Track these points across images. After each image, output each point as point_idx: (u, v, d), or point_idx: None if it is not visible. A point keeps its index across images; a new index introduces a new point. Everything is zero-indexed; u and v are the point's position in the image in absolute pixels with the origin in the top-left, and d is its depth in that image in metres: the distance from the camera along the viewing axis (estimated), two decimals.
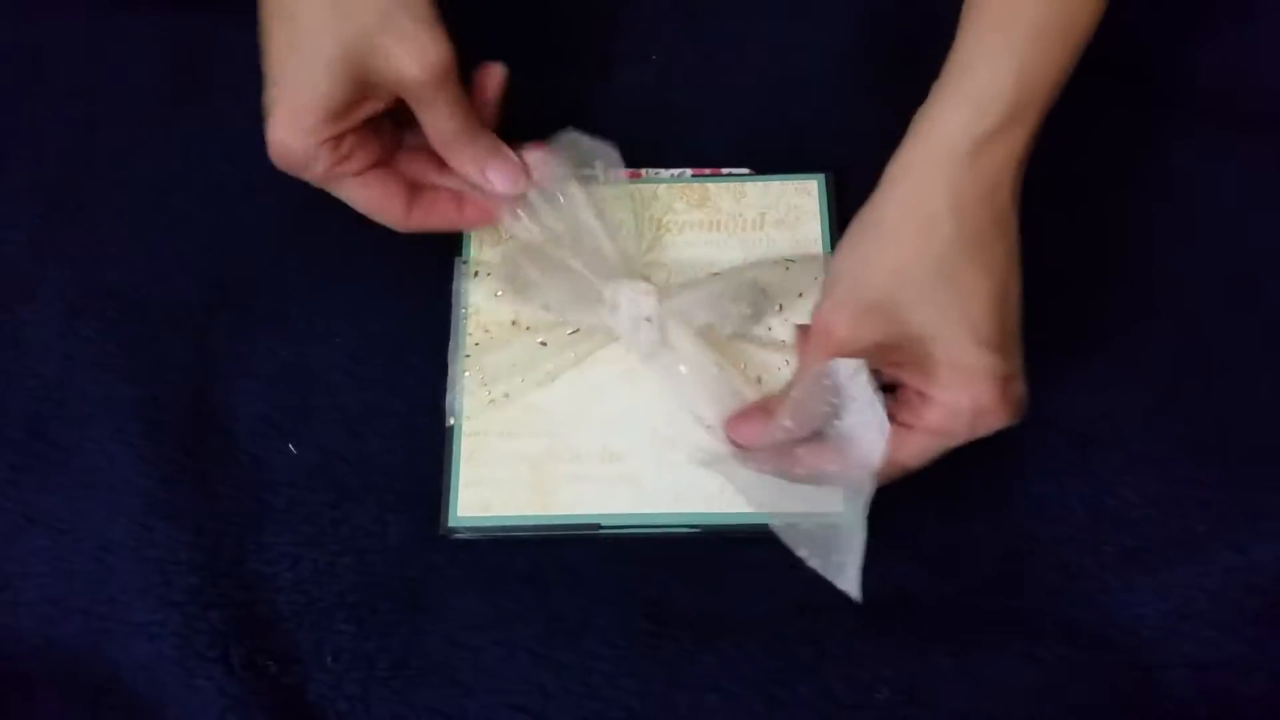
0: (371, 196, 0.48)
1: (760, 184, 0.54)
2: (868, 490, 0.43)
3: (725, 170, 0.55)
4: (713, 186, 0.54)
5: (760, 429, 0.45)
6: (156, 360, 0.51)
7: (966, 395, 0.42)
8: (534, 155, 0.50)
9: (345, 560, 0.48)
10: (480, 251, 0.53)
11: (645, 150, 0.55)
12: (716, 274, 0.51)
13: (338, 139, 0.46)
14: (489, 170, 0.49)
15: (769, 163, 0.55)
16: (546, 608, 0.47)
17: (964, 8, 0.45)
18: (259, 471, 0.50)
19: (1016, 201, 0.43)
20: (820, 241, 0.53)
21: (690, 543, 0.48)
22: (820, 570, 0.44)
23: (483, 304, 0.52)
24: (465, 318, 0.52)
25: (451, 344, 0.51)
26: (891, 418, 0.43)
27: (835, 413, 0.44)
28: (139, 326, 0.52)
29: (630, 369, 0.50)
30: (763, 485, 0.47)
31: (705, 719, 0.45)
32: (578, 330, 0.51)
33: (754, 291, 0.50)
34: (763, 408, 0.46)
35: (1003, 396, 0.42)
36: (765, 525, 0.47)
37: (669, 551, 0.48)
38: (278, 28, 0.45)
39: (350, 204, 0.48)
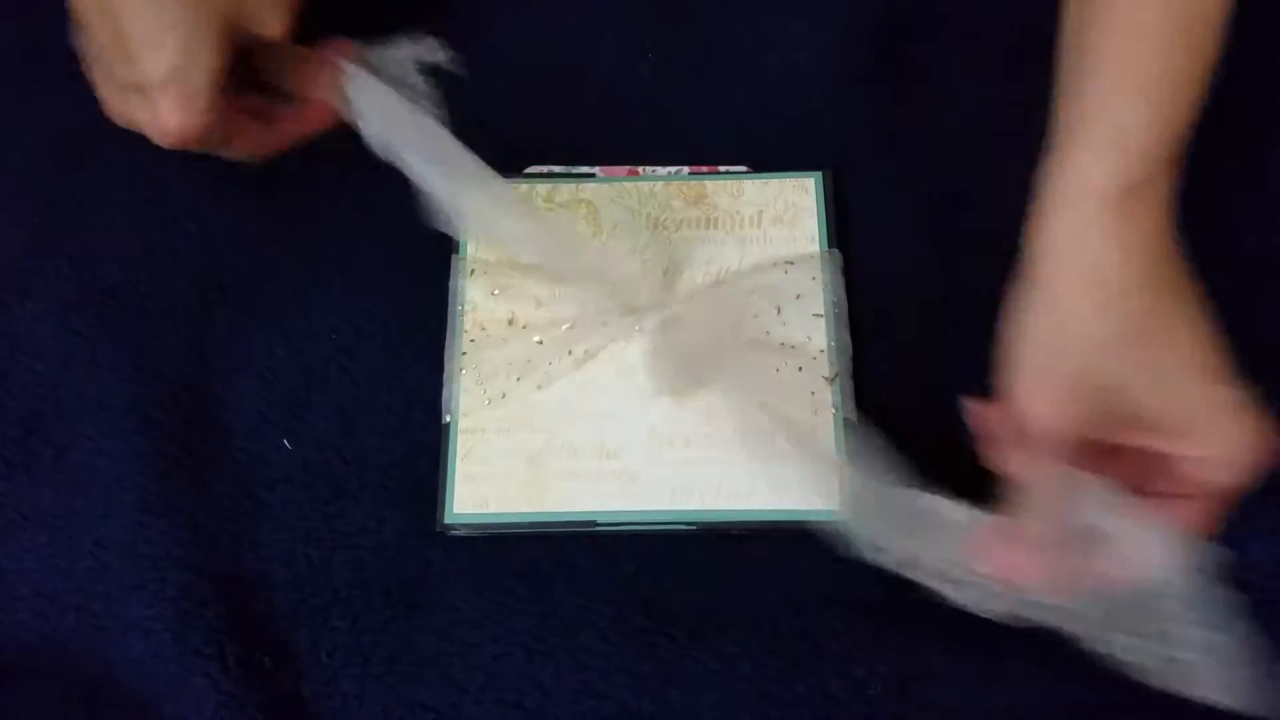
0: (248, 146, 0.48)
1: (758, 181, 0.54)
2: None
3: (722, 168, 0.55)
4: (709, 184, 0.54)
5: (1012, 553, 0.40)
6: (152, 357, 0.51)
7: (1232, 433, 0.38)
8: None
9: (340, 557, 0.48)
10: (477, 249, 0.53)
11: (642, 148, 0.55)
12: (716, 285, 0.51)
13: (217, 107, 0.45)
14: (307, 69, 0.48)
15: (766, 160, 0.55)
16: (542, 604, 0.47)
17: (1069, 52, 0.43)
18: (254, 468, 0.50)
19: (1177, 242, 0.41)
20: (818, 239, 0.53)
21: (686, 540, 0.48)
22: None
23: (480, 301, 0.52)
24: (462, 315, 0.52)
25: (448, 341, 0.51)
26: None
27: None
28: (135, 323, 0.52)
29: (628, 365, 0.50)
30: (758, 484, 0.47)
31: (701, 715, 0.45)
32: (573, 326, 0.51)
33: (756, 301, 0.51)
34: (1001, 531, 0.41)
35: (1259, 426, 0.38)
36: (761, 523, 0.47)
37: (665, 548, 0.48)
38: (138, 5, 0.43)
39: (227, 157, 0.48)
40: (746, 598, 0.47)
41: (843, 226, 0.53)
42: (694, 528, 0.48)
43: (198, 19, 0.43)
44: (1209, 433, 0.39)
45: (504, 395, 0.50)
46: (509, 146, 0.56)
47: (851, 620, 0.46)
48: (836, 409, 0.49)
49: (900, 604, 0.46)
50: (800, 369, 0.50)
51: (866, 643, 0.46)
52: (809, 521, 0.47)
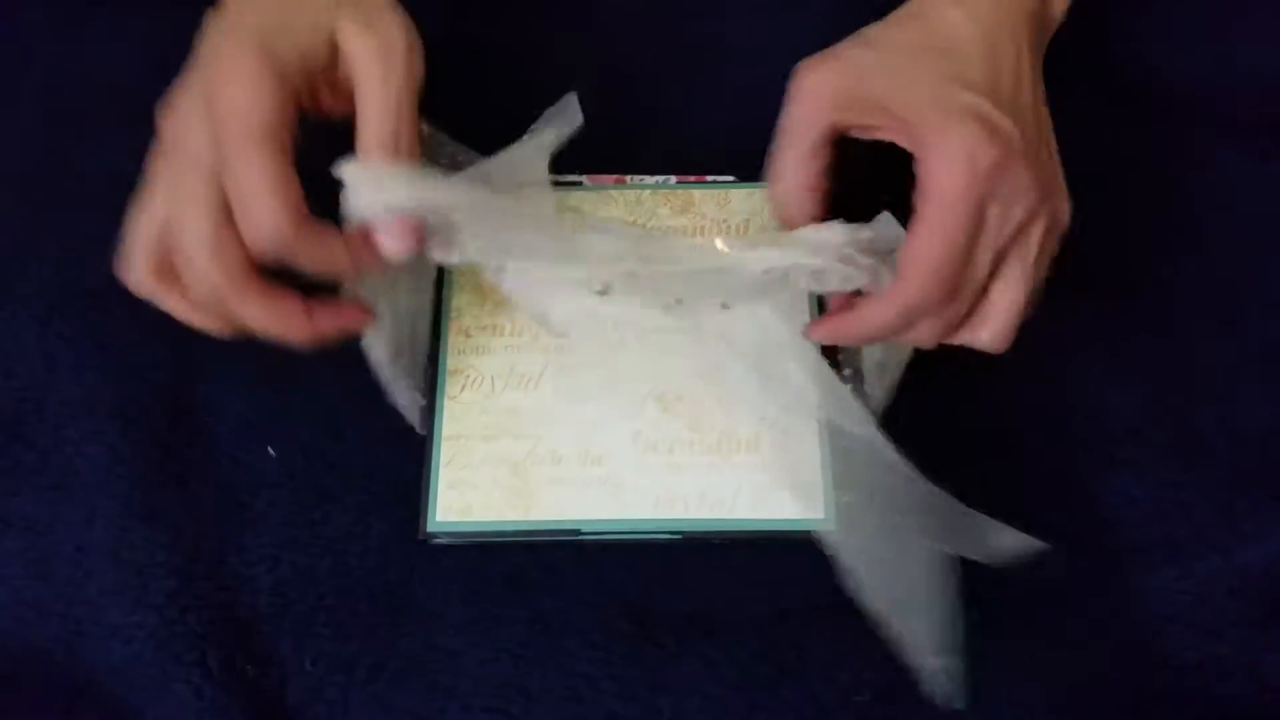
0: (283, 172, 0.40)
1: (744, 190, 0.54)
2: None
3: (710, 178, 0.55)
4: (697, 193, 0.54)
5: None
6: (136, 361, 0.51)
7: (955, 132, 0.40)
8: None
9: (325, 563, 0.48)
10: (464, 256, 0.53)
11: (630, 156, 0.55)
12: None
13: (296, 93, 0.41)
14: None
15: (754, 169, 0.55)
16: (528, 610, 0.47)
17: None
18: (238, 473, 0.49)
19: (1038, 49, 0.46)
20: None
21: (673, 546, 0.48)
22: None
23: (465, 308, 0.52)
24: (447, 321, 0.52)
25: (433, 347, 0.51)
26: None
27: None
28: (118, 327, 0.52)
29: (613, 371, 0.50)
30: (743, 492, 0.47)
31: None
32: (564, 335, 0.51)
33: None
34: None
35: (991, 134, 0.40)
36: (746, 531, 0.47)
37: (651, 554, 0.48)
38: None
39: (254, 181, 0.40)
40: (733, 604, 0.47)
41: None
42: (679, 536, 0.48)
43: (286, 34, 0.41)
44: (935, 129, 0.41)
45: (488, 398, 0.50)
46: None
47: (838, 626, 0.46)
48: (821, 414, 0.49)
49: None
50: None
51: (854, 649, 0.46)
52: (795, 531, 0.47)
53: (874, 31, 0.45)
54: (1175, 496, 0.48)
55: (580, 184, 0.55)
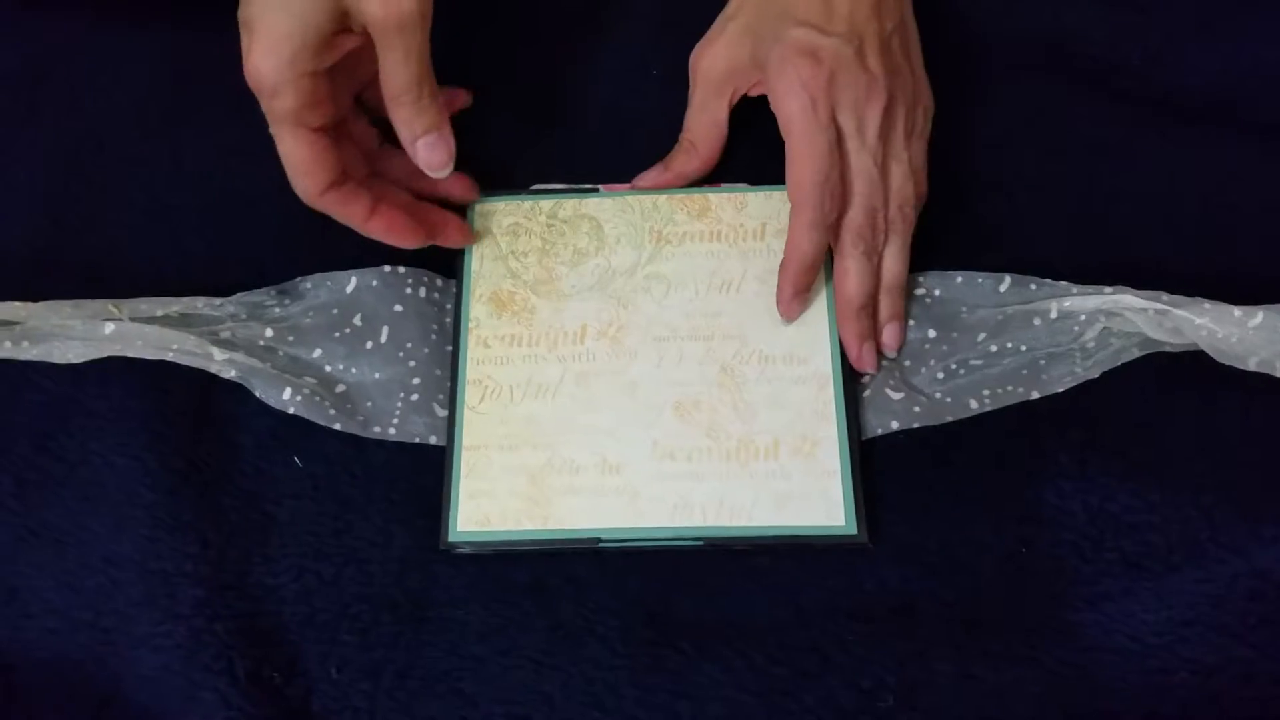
0: (304, 155, 0.47)
1: (762, 194, 0.54)
2: None
3: (723, 185, 0.55)
4: (714, 197, 0.54)
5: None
6: (162, 373, 0.51)
7: (787, 72, 0.48)
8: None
9: (349, 572, 0.48)
10: (481, 266, 0.53)
11: (646, 164, 0.55)
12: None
13: (313, 76, 0.45)
14: (421, 140, 0.49)
15: (772, 174, 0.55)
16: (549, 617, 0.47)
17: None
18: (263, 484, 0.50)
19: None
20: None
21: (692, 553, 0.48)
22: None
23: (483, 318, 0.52)
24: (466, 332, 0.52)
25: (452, 358, 0.52)
26: None
27: None
28: None
29: (630, 380, 0.51)
30: (762, 499, 0.47)
31: None
32: (576, 340, 0.51)
33: None
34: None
35: (816, 60, 0.48)
36: (767, 538, 0.47)
37: (671, 562, 0.48)
38: None
39: (281, 153, 0.47)
40: (753, 609, 0.47)
41: None
42: (700, 543, 0.48)
43: None
44: (773, 74, 0.49)
45: (507, 408, 0.50)
46: (514, 165, 0.57)
47: (859, 631, 0.46)
48: (840, 420, 0.49)
49: (908, 614, 0.47)
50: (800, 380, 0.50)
51: (875, 653, 0.46)
52: (817, 536, 0.47)
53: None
54: (1196, 499, 0.48)
55: (597, 191, 0.55)
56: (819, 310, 0.51)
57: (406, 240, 0.50)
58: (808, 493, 0.48)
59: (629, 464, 0.49)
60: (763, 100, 0.52)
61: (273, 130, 0.47)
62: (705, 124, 0.55)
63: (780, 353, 0.51)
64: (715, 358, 0.51)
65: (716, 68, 0.54)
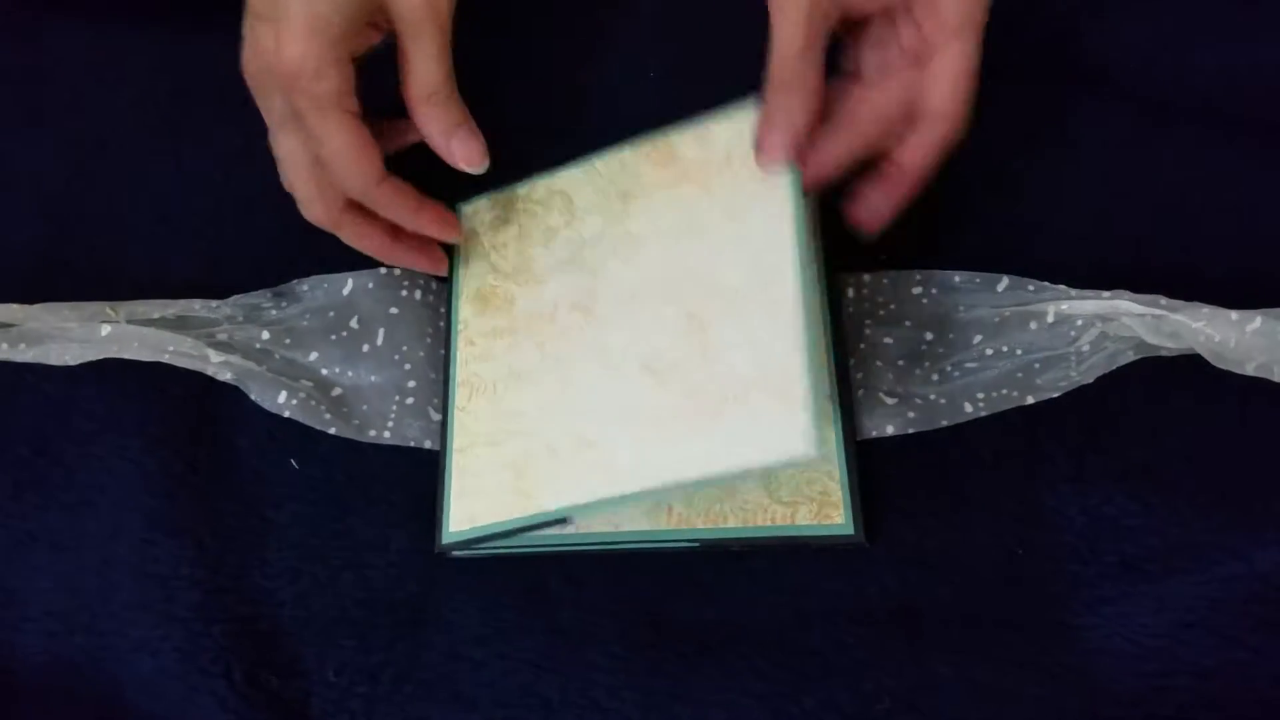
0: (355, 140, 0.45)
1: (724, 120, 0.50)
2: None
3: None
4: (676, 137, 0.51)
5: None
6: (159, 376, 0.51)
7: None
8: None
9: (347, 575, 0.48)
10: (467, 265, 0.53)
11: None
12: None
13: (350, 63, 0.45)
14: (455, 137, 0.48)
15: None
16: (548, 620, 0.47)
17: None
18: (261, 486, 0.50)
19: None
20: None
21: (691, 554, 0.48)
22: None
23: (470, 318, 0.52)
24: (456, 334, 0.52)
25: (444, 362, 0.52)
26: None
27: None
28: None
29: (603, 349, 0.49)
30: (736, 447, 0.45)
31: None
32: (550, 320, 0.50)
33: None
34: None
35: None
36: (766, 539, 0.47)
37: (669, 563, 0.48)
38: None
39: (324, 146, 0.45)
40: (753, 612, 0.47)
41: None
42: (697, 545, 0.48)
43: None
44: None
45: (493, 407, 0.50)
46: (510, 165, 0.56)
47: (859, 634, 0.46)
48: (837, 421, 0.49)
49: (908, 617, 0.47)
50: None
51: (875, 657, 0.46)
52: (815, 537, 0.47)
53: None
54: (1194, 502, 0.48)
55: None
56: (783, 228, 0.47)
57: (450, 233, 0.51)
58: (775, 425, 0.44)
59: (604, 436, 0.47)
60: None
61: (312, 122, 0.45)
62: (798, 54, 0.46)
63: (743, 282, 0.47)
64: (684, 307, 0.48)
65: None
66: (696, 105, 0.58)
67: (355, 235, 0.49)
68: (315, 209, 0.48)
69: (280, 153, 0.47)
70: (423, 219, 0.49)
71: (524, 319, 0.51)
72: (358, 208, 0.48)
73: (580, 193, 0.52)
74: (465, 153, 0.48)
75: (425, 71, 0.46)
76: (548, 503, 0.46)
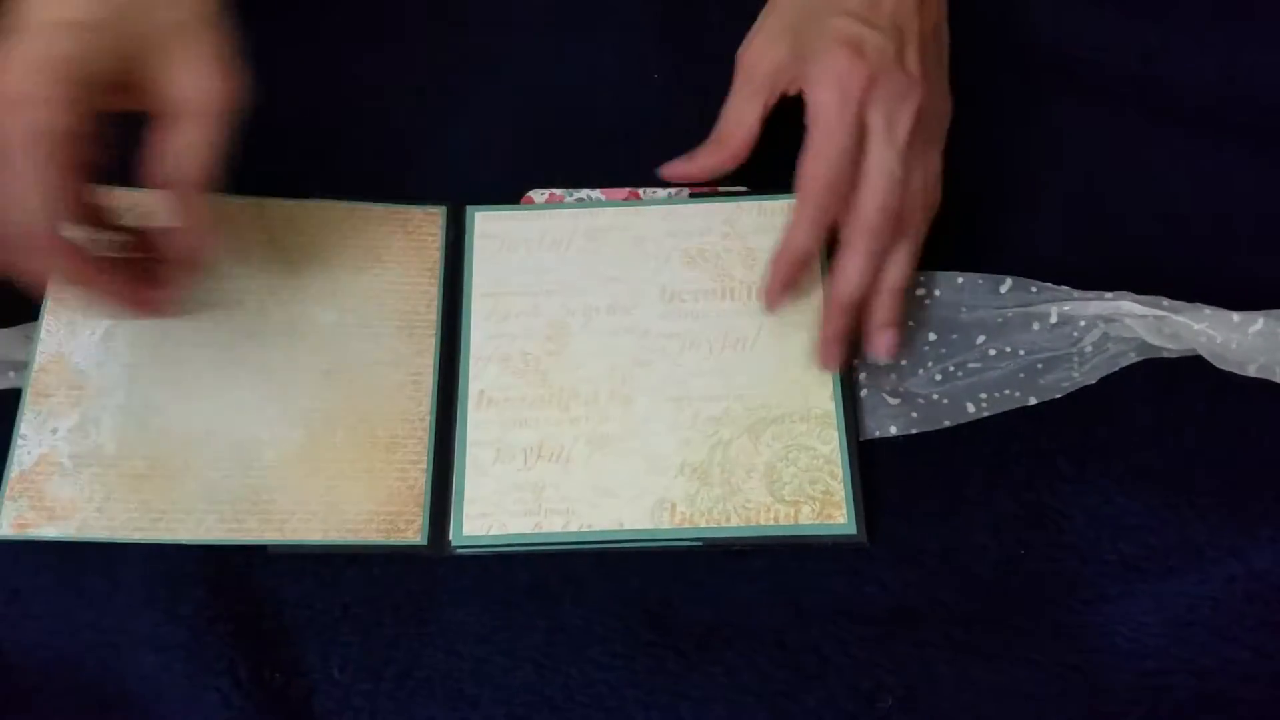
0: (54, 178, 0.41)
1: (754, 202, 0.54)
2: None
3: (723, 189, 0.55)
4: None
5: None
6: None
7: (826, 63, 0.46)
8: None
9: (350, 573, 0.48)
10: (483, 269, 0.54)
11: (647, 170, 0.56)
12: None
13: (84, 106, 0.41)
14: (196, 229, 0.45)
15: (770, 179, 0.55)
16: (550, 619, 0.47)
17: None
18: None
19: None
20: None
21: (692, 554, 0.48)
22: None
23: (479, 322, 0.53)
24: (468, 330, 0.52)
25: (448, 362, 0.52)
26: None
27: None
28: None
29: (630, 380, 0.51)
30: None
31: None
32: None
33: None
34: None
35: (857, 55, 0.46)
36: (766, 539, 0.48)
37: (671, 562, 0.48)
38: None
39: (13, 168, 0.40)
40: (754, 610, 0.47)
41: None
42: (699, 544, 0.48)
43: (112, 13, 0.41)
44: (811, 62, 0.48)
45: (506, 415, 0.50)
46: (513, 168, 0.57)
47: (859, 632, 0.46)
48: (839, 422, 0.50)
49: (909, 616, 0.47)
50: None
51: (874, 655, 0.46)
52: (817, 536, 0.48)
53: None
54: (1194, 502, 0.48)
55: (598, 200, 0.55)
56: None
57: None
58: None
59: (623, 465, 0.49)
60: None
61: (13, 147, 0.40)
62: (737, 120, 0.53)
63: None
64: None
65: (760, 65, 0.52)
66: (697, 105, 0.58)
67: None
68: None
69: None
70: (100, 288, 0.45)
71: (545, 344, 0.52)
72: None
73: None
74: (209, 244, 0.46)
75: (193, 159, 0.43)
76: (564, 523, 0.48)
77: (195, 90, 0.43)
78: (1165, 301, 0.50)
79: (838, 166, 0.47)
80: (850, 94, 0.46)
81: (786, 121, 0.57)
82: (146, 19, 0.43)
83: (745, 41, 0.53)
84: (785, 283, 0.50)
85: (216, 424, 0.49)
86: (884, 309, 0.50)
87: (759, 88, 0.52)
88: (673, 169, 0.53)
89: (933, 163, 0.50)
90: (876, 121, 0.47)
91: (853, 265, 0.48)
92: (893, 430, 0.50)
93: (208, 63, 0.44)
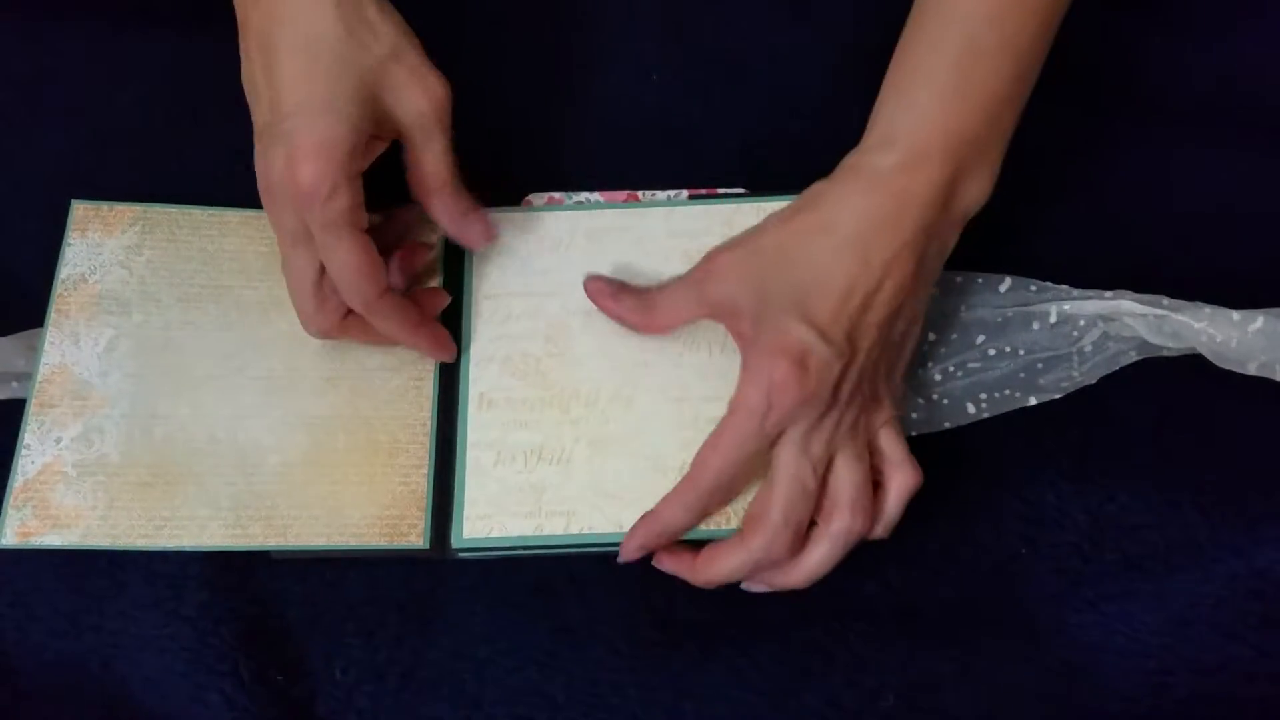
0: (364, 259, 0.45)
1: (753, 204, 0.54)
2: None
3: (721, 190, 0.55)
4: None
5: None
6: None
7: (765, 369, 0.44)
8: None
9: (353, 573, 0.48)
10: (485, 271, 0.54)
11: (646, 171, 0.56)
12: None
13: (360, 179, 0.45)
14: (465, 222, 0.50)
15: (772, 179, 0.55)
16: (553, 618, 0.47)
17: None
18: None
19: (934, 237, 0.46)
20: None
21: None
22: None
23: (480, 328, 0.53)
24: (470, 341, 0.52)
25: (455, 367, 0.52)
26: None
27: None
28: None
29: (631, 381, 0.51)
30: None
31: None
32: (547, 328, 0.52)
33: None
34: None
35: (801, 374, 0.43)
36: None
37: None
38: (288, 58, 0.44)
39: (332, 261, 0.45)
40: (756, 609, 0.47)
41: None
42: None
43: (344, 74, 0.44)
44: (756, 353, 0.45)
45: (509, 418, 0.50)
46: (511, 169, 0.57)
47: (861, 630, 0.46)
48: None
49: (910, 614, 0.47)
50: None
51: (877, 653, 0.46)
52: None
53: (773, 226, 0.47)
54: (1195, 501, 0.48)
55: (596, 202, 0.55)
56: None
57: (444, 354, 0.51)
58: None
59: (627, 468, 0.49)
60: (771, 104, 0.51)
61: (323, 240, 0.45)
62: (672, 308, 0.49)
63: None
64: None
65: (720, 285, 0.47)
66: (697, 108, 0.58)
67: (358, 335, 0.50)
68: (316, 322, 0.48)
69: (289, 269, 0.47)
70: (419, 337, 0.49)
71: (551, 344, 0.52)
72: (356, 315, 0.48)
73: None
74: (476, 235, 0.50)
75: (435, 169, 0.48)
76: (566, 526, 0.48)
77: (422, 106, 0.46)
78: (1165, 300, 0.50)
79: (734, 465, 0.45)
80: (776, 406, 0.44)
81: (786, 121, 0.57)
82: (368, 61, 0.45)
83: (721, 247, 0.48)
84: (645, 550, 0.47)
85: (219, 431, 0.49)
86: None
87: (707, 303, 0.48)
88: (598, 288, 0.51)
89: (861, 464, 0.46)
90: (793, 434, 0.45)
91: (731, 557, 0.46)
92: None
93: (421, 76, 0.46)
